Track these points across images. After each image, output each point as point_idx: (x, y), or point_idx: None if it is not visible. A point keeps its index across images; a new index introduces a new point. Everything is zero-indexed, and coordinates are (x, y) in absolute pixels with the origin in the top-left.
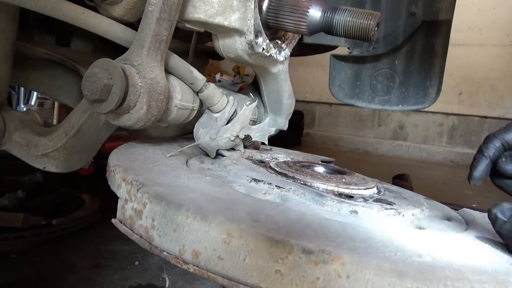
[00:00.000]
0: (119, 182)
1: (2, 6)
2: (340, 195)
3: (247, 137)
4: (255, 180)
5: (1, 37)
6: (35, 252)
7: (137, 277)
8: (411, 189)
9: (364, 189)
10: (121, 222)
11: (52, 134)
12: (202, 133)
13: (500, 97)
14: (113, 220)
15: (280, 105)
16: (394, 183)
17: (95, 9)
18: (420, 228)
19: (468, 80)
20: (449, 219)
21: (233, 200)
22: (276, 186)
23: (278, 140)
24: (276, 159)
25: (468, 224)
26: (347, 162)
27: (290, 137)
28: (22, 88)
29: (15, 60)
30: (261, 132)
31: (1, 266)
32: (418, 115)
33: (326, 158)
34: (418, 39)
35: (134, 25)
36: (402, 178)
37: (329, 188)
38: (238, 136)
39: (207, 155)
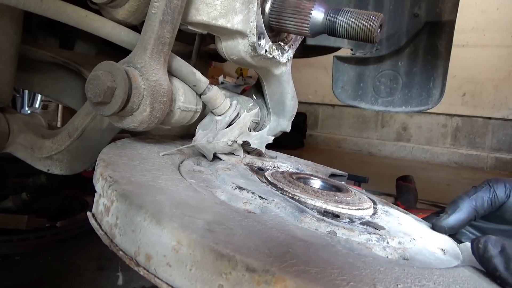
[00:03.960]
0: (98, 176)
1: (6, 9)
2: (325, 213)
3: (246, 143)
4: (239, 188)
5: (5, 40)
6: (39, 254)
7: (140, 279)
8: (415, 190)
9: (355, 209)
10: (94, 216)
11: (56, 137)
12: (200, 134)
13: (504, 98)
14: (88, 213)
15: (283, 106)
16: (397, 185)
17: (98, 12)
18: (403, 259)
19: (471, 81)
20: (444, 252)
21: (201, 207)
22: (259, 196)
23: (281, 142)
24: (277, 167)
25: (463, 259)
26: (351, 164)
27: (293, 138)
28: (27, 91)
29: (19, 63)
30: (260, 140)
31: (5, 268)
32: (422, 117)
33: (339, 172)
34: (421, 40)
35: (137, 27)
36: (405, 179)
37: (317, 204)
38: (236, 142)
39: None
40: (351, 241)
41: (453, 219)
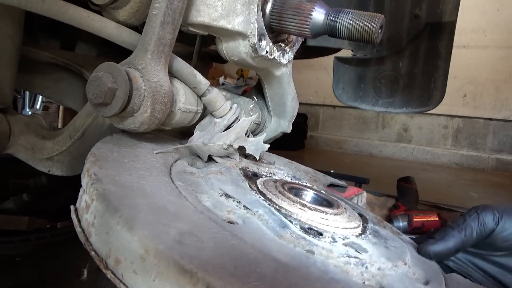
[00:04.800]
0: (84, 172)
1: (7, 10)
2: (309, 229)
3: (242, 148)
4: (226, 195)
5: (6, 42)
6: (40, 255)
7: None
8: (416, 192)
9: (341, 228)
10: (76, 211)
11: (57, 138)
12: (197, 135)
13: (505, 99)
14: (71, 207)
15: (284, 108)
16: (398, 186)
17: (99, 13)
18: (380, 286)
19: (472, 82)
20: (427, 282)
21: (179, 214)
22: (244, 206)
23: (282, 143)
24: (272, 174)
25: None
26: (351, 165)
27: (294, 139)
28: (27, 92)
29: (21, 64)
30: (256, 147)
31: (6, 269)
32: (423, 118)
33: (339, 182)
34: (422, 41)
35: (138, 28)
36: (406, 180)
37: (302, 219)
38: (231, 146)
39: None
40: (327, 263)
41: (439, 246)
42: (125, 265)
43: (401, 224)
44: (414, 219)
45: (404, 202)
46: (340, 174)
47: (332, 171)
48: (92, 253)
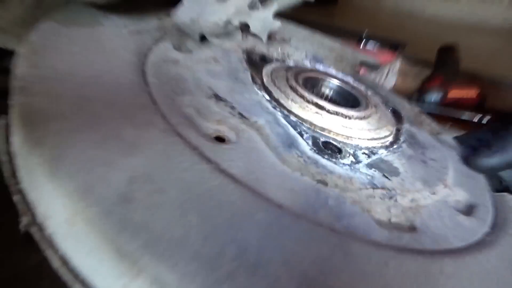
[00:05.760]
0: (12, 68)
1: None
2: (325, 144)
3: (244, 26)
4: (216, 96)
5: None
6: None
7: None
8: (457, 62)
9: (368, 138)
10: (6, 126)
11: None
12: (183, 8)
13: None
14: (2, 119)
15: None
16: (438, 54)
17: None
18: (410, 226)
19: None
20: (471, 207)
21: (136, 143)
22: (239, 113)
23: None
24: (286, 56)
25: (495, 226)
26: (388, 26)
27: None
28: None
29: None
30: (263, 23)
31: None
32: None
33: (370, 60)
34: None
35: None
36: (449, 49)
37: (317, 128)
38: (230, 23)
39: None
40: (343, 199)
41: (497, 159)
42: (54, 225)
43: (433, 99)
44: (450, 93)
45: (442, 73)
46: (374, 36)
47: (366, 31)
48: (18, 196)
